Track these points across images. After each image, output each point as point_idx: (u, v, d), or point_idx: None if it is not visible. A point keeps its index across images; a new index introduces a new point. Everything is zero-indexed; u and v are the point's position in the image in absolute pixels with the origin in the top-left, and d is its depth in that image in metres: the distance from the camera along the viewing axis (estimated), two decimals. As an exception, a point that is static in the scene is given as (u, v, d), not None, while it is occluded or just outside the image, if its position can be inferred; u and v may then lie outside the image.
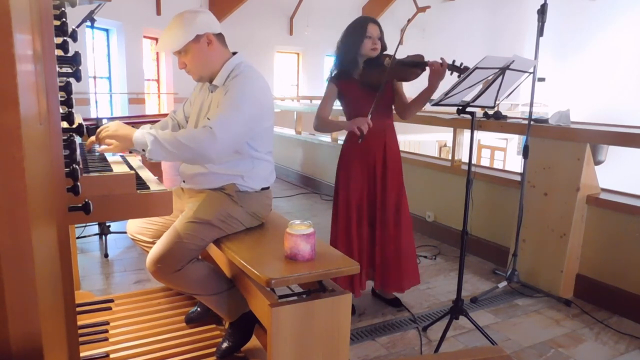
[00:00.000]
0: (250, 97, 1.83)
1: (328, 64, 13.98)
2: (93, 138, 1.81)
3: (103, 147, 1.76)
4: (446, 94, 2.16)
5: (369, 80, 2.40)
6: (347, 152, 2.55)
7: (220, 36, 1.95)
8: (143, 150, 1.69)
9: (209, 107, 1.95)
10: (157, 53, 10.32)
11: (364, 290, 2.64)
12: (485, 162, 13.15)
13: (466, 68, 2.16)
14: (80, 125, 1.07)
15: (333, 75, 2.49)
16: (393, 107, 2.53)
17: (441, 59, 2.27)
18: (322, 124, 2.51)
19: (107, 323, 2.11)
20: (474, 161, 2.28)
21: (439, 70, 2.25)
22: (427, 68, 2.29)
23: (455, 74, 2.20)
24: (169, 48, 1.86)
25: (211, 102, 1.95)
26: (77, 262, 2.74)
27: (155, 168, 1.81)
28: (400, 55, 2.34)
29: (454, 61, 2.26)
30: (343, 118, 2.63)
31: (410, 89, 2.42)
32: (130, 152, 1.90)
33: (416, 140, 11.20)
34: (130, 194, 1.45)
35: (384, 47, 2.45)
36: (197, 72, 1.93)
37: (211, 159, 1.78)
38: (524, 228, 2.97)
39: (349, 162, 2.51)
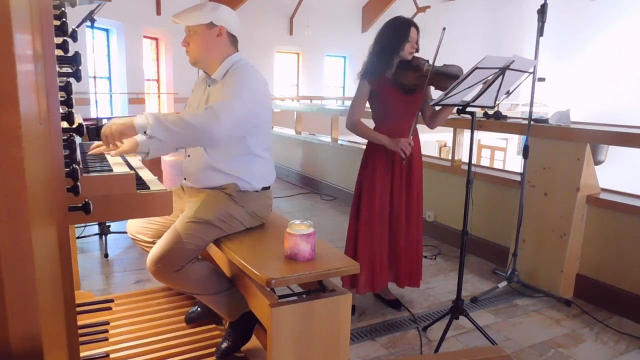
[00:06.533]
0: (248, 87, 1.86)
1: (328, 64, 14.00)
2: (100, 144, 1.81)
3: (115, 152, 1.78)
4: (446, 94, 2.17)
5: (403, 81, 2.43)
6: (372, 151, 2.54)
7: (233, 37, 2.00)
8: (145, 133, 1.66)
9: (207, 100, 1.97)
10: (157, 53, 10.32)
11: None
12: (485, 162, 13.14)
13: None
14: (80, 125, 1.07)
15: (366, 72, 2.46)
16: (420, 113, 2.54)
17: None
18: (357, 127, 2.48)
19: (107, 323, 2.11)
20: (474, 161, 2.28)
21: None
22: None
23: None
24: (182, 20, 1.91)
25: (209, 95, 1.98)
26: (77, 262, 2.74)
27: (155, 168, 1.82)
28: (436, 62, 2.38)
29: None
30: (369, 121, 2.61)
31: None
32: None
33: (416, 140, 11.17)
34: (130, 194, 1.45)
35: (417, 50, 2.47)
36: (194, 56, 1.97)
37: (214, 138, 1.77)
38: (524, 228, 2.97)
39: (374, 162, 2.51)
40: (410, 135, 2.40)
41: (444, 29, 2.18)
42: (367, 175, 2.53)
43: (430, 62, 2.37)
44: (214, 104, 1.79)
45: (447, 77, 2.37)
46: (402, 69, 2.44)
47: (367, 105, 2.54)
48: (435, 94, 2.57)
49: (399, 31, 2.41)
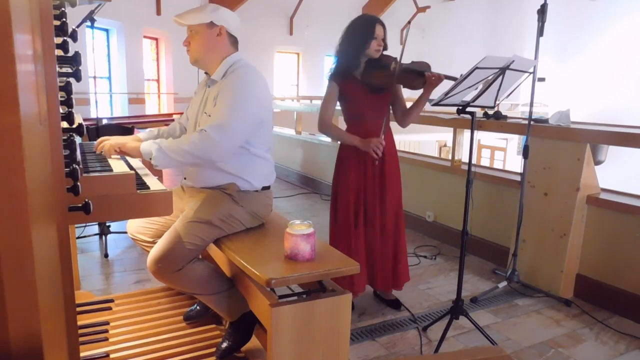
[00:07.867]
0: (248, 94, 1.86)
1: (328, 64, 13.98)
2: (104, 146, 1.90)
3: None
4: (446, 94, 2.17)
5: (371, 81, 2.41)
6: (344, 153, 2.54)
7: (233, 37, 2.02)
8: (150, 159, 1.79)
9: (206, 102, 1.99)
10: (157, 53, 10.32)
11: (363, 292, 2.64)
12: (485, 162, 13.14)
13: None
14: (80, 125, 1.07)
15: (334, 73, 2.46)
16: (391, 111, 2.53)
17: (439, 74, 2.31)
18: (328, 128, 2.49)
19: (107, 323, 2.11)
20: (474, 161, 2.28)
21: (435, 83, 2.30)
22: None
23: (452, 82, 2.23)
24: (183, 20, 1.94)
25: (208, 97, 1.99)
26: (77, 262, 2.74)
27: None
28: (404, 59, 2.36)
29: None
30: (341, 119, 2.62)
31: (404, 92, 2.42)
32: None
33: (416, 140, 11.19)
34: (130, 194, 1.45)
35: (385, 47, 2.45)
36: (194, 55, 1.99)
37: (215, 161, 1.87)
38: (524, 228, 2.97)
39: (347, 162, 2.51)
40: (382, 135, 2.36)
41: (407, 29, 2.18)
42: (341, 178, 2.52)
43: (398, 60, 2.34)
44: (208, 127, 1.79)
45: (414, 75, 2.36)
46: (369, 67, 2.42)
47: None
48: (404, 92, 2.57)
49: (364, 29, 2.38)
